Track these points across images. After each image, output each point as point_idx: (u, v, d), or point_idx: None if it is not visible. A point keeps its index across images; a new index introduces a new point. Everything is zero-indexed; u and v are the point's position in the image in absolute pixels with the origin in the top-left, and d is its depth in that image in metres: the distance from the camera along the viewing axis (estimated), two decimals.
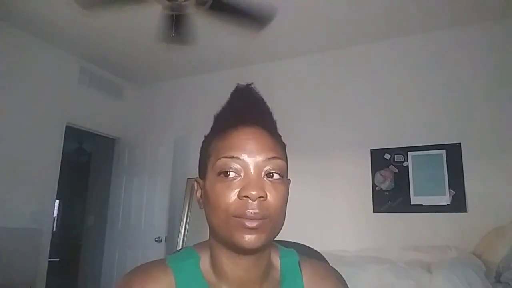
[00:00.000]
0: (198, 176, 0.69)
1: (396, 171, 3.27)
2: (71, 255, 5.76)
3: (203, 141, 0.69)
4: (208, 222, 0.64)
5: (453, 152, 3.09)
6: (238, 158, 0.60)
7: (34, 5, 3.15)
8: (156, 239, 3.91)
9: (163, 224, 3.97)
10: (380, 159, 3.34)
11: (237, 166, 0.60)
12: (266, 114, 0.68)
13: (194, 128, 4.23)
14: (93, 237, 4.66)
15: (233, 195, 0.59)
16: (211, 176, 0.63)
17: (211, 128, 0.69)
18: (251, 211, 0.58)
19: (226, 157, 0.61)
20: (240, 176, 0.60)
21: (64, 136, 3.84)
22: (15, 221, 3.31)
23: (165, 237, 3.92)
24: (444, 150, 3.12)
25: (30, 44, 3.59)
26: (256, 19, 2.64)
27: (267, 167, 0.61)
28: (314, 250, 0.93)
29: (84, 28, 3.47)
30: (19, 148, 3.43)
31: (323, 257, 0.91)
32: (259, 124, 0.64)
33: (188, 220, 3.96)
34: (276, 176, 0.62)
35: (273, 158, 0.62)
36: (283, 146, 0.67)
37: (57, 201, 7.10)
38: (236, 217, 0.58)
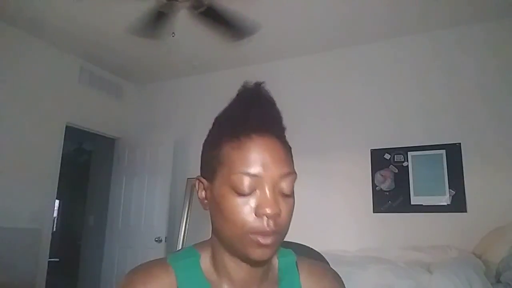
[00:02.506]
0: (200, 174, 0.68)
1: (396, 171, 3.27)
2: (71, 255, 5.77)
3: (209, 139, 0.67)
4: (217, 229, 0.64)
5: (453, 152, 3.09)
6: (255, 175, 0.59)
7: (34, 5, 3.15)
8: (156, 239, 3.91)
9: (163, 224, 3.97)
10: (380, 159, 3.34)
11: (254, 183, 0.59)
12: (278, 121, 0.66)
13: (194, 128, 4.23)
14: (93, 237, 4.66)
15: (249, 212, 0.59)
16: (223, 186, 0.61)
17: (218, 127, 0.66)
18: (267, 229, 0.58)
19: (243, 173, 0.59)
20: (256, 191, 0.60)
21: (64, 136, 3.84)
22: (15, 221, 3.31)
23: (165, 237, 3.92)
24: (444, 150, 3.12)
25: (30, 44, 3.59)
26: (237, 31, 2.76)
27: (282, 185, 0.61)
28: (314, 250, 0.93)
29: (84, 28, 3.47)
30: (19, 148, 3.43)
31: (323, 257, 0.91)
32: (272, 133, 0.63)
33: (188, 220, 3.96)
34: (288, 191, 0.62)
35: (287, 174, 0.61)
36: (290, 152, 0.66)
37: (57, 201, 7.10)
38: (251, 233, 0.59)
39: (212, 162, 0.63)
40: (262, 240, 0.58)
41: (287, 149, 0.65)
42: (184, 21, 2.80)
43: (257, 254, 0.60)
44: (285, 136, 0.66)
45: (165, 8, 2.58)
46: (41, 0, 3.09)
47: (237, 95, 0.67)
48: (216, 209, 0.62)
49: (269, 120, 0.64)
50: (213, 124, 0.69)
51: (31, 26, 3.46)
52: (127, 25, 2.87)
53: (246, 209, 0.59)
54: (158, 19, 2.67)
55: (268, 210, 0.58)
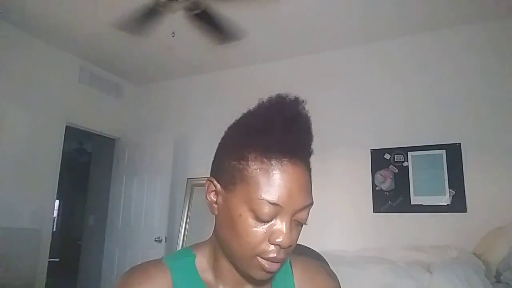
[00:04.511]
0: (211, 174, 0.65)
1: (396, 171, 3.27)
2: (71, 255, 5.76)
3: (234, 148, 0.61)
4: (224, 242, 0.63)
5: (453, 152, 3.08)
6: (279, 205, 0.57)
7: (34, 5, 3.15)
8: (156, 239, 3.91)
9: (163, 224, 3.97)
10: (380, 159, 3.34)
11: (275, 211, 0.58)
12: (309, 147, 0.63)
13: (194, 128, 4.23)
14: (93, 237, 4.66)
15: (263, 238, 0.58)
16: (242, 205, 0.58)
17: (248, 136, 0.61)
18: (276, 256, 0.59)
19: (267, 201, 0.57)
20: (276, 218, 0.59)
21: (64, 136, 3.84)
22: (15, 221, 3.31)
23: (165, 237, 3.92)
24: (444, 150, 3.12)
25: (30, 44, 3.59)
26: (225, 35, 2.88)
27: (300, 215, 0.60)
28: (313, 250, 0.93)
29: (84, 28, 3.47)
30: (19, 148, 3.42)
31: (322, 257, 0.91)
32: (302, 160, 0.60)
33: (188, 220, 3.96)
34: (304, 222, 0.62)
35: (308, 206, 0.60)
36: (311, 174, 0.63)
37: (57, 201, 7.10)
38: (260, 257, 0.59)
39: (234, 174, 0.60)
40: (268, 266, 0.59)
41: (310, 175, 0.63)
42: (181, 21, 2.81)
43: (260, 275, 0.61)
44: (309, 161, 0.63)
45: (161, 6, 2.60)
46: (41, 0, 3.09)
47: (273, 106, 0.62)
48: (228, 223, 0.61)
49: (303, 147, 0.61)
50: (239, 125, 0.65)
51: (31, 26, 3.45)
52: (115, 19, 2.88)
53: (260, 234, 0.58)
54: (149, 16, 2.68)
55: (282, 242, 0.58)
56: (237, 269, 0.65)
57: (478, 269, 2.13)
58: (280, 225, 0.58)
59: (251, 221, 0.58)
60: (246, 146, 0.60)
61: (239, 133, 0.63)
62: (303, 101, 0.63)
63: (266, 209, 0.57)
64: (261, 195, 0.57)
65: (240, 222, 0.58)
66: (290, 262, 0.72)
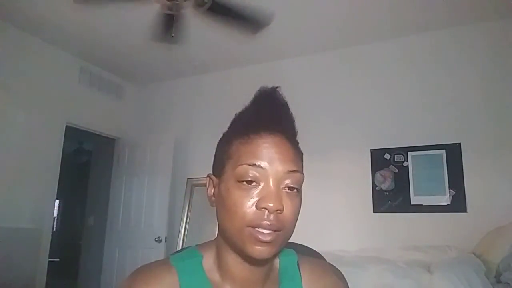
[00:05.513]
0: (212, 172, 0.69)
1: (396, 171, 3.27)
2: (71, 255, 5.76)
3: (222, 138, 0.68)
4: (220, 224, 0.64)
5: (453, 152, 3.09)
6: (260, 166, 0.60)
7: (34, 5, 3.15)
8: (156, 239, 3.91)
9: (163, 224, 3.97)
10: (380, 159, 3.34)
11: (258, 174, 0.60)
12: (289, 122, 0.68)
13: (194, 128, 4.23)
14: (93, 237, 4.66)
15: (251, 205, 0.59)
16: (229, 180, 0.62)
17: (232, 127, 0.68)
18: (267, 223, 0.58)
19: (248, 164, 0.60)
20: (260, 185, 0.60)
21: (64, 136, 3.84)
22: (15, 221, 3.31)
23: (165, 237, 3.92)
24: (444, 150, 3.13)
25: (30, 44, 3.59)
26: (252, 23, 2.69)
27: (287, 181, 0.61)
28: (314, 250, 0.93)
29: (84, 28, 3.47)
30: (19, 148, 3.43)
31: (323, 257, 0.91)
32: (282, 133, 0.64)
33: (188, 220, 3.97)
34: (294, 189, 0.62)
35: (293, 171, 0.62)
36: (301, 156, 0.67)
37: (57, 201, 7.10)
38: (251, 227, 0.59)
39: (222, 158, 0.65)
40: (261, 236, 0.58)
41: (297, 151, 0.65)
42: (187, 21, 2.78)
43: (256, 252, 0.59)
44: (296, 140, 0.67)
45: (171, 9, 2.54)
46: (41, 0, 3.09)
47: (253, 97, 0.68)
48: (221, 205, 0.63)
49: (280, 120, 0.65)
50: (229, 126, 0.70)
51: (31, 26, 3.45)
52: (142, 30, 2.85)
53: (248, 202, 0.59)
54: (168, 22, 2.63)
55: (269, 204, 0.58)
56: (240, 255, 0.64)
57: (478, 269, 2.13)
58: (266, 189, 0.60)
59: (238, 192, 0.60)
60: (231, 133, 0.67)
61: (228, 129, 0.70)
62: (277, 87, 0.69)
63: (249, 172, 0.60)
64: (242, 161, 0.61)
65: (229, 196, 0.61)
66: (297, 263, 0.72)
